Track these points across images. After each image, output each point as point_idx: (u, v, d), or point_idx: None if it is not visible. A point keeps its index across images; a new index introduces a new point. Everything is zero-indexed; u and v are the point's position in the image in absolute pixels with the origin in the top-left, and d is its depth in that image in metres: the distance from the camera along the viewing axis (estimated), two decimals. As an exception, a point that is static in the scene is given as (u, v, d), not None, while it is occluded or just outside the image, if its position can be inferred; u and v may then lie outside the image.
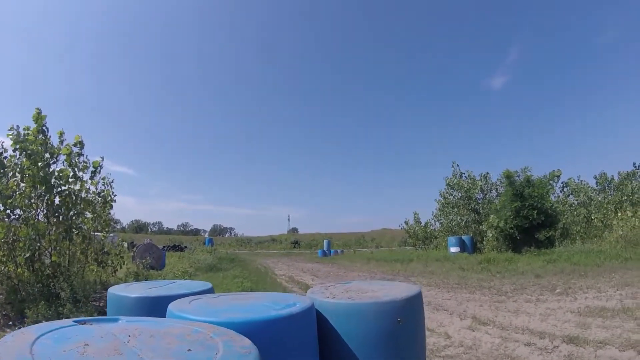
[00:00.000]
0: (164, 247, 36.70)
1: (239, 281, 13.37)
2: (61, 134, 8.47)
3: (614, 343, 4.65)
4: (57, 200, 8.17)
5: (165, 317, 2.07)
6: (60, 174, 8.13)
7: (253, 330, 1.79)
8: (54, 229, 7.99)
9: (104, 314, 4.13)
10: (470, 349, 5.21)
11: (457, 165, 23.87)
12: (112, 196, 9.57)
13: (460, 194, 23.26)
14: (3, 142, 7.93)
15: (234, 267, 19.69)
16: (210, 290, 3.01)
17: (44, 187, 7.83)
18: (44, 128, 8.18)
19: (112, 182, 9.60)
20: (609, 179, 26.11)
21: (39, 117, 8.09)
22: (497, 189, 22.43)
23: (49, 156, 8.07)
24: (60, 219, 8.15)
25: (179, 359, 1.29)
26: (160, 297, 2.68)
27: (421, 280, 11.96)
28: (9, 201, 7.56)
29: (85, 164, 8.70)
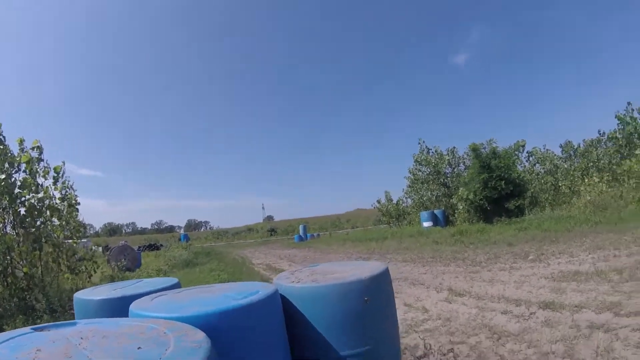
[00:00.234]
0: (139, 247, 36.30)
1: (216, 274, 13.39)
2: (21, 141, 8.13)
3: (589, 306, 4.63)
4: (22, 210, 7.95)
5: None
6: (24, 183, 7.84)
7: (211, 323, 1.75)
8: (23, 240, 7.77)
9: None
10: (448, 321, 5.16)
11: (424, 142, 24.11)
12: (76, 199, 9.32)
13: (428, 170, 23.48)
14: None
15: (211, 261, 19.67)
16: (176, 286, 2.92)
17: (7, 199, 7.55)
18: (1, 137, 7.82)
19: (73, 184, 9.36)
20: (575, 147, 26.65)
21: (-7, 127, 7.73)
22: (464, 162, 22.71)
23: (8, 166, 7.78)
24: (28, 230, 7.93)
25: (128, 358, 1.25)
26: (124, 297, 2.60)
27: (396, 257, 11.97)
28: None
29: (46, 169, 8.42)
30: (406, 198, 26.34)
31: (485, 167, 16.90)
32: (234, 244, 51.04)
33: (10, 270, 7.44)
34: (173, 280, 3.10)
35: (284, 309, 2.36)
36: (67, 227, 9.08)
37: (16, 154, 8.00)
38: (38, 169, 8.23)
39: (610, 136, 23.35)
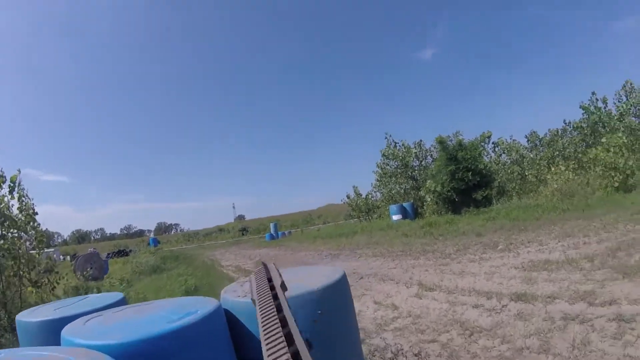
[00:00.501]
0: (108, 254, 35.46)
1: (183, 279, 13.30)
2: None
3: (562, 296, 4.46)
4: None
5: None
6: None
7: (140, 350, 1.62)
8: None
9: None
10: (419, 318, 4.95)
11: (390, 136, 24.10)
12: (33, 208, 8.84)
13: (396, 163, 23.50)
14: None
15: (179, 265, 19.37)
16: (120, 302, 2.74)
17: None
18: None
19: (27, 192, 8.88)
20: (540, 137, 27.05)
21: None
22: (431, 154, 22.81)
23: None
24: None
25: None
26: (64, 318, 2.39)
27: (367, 252, 11.77)
28: None
29: (1, 179, 7.91)
30: (375, 192, 26.33)
31: (452, 158, 16.89)
32: (205, 246, 50.27)
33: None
34: (118, 295, 2.95)
35: (231, 327, 2.06)
36: (28, 238, 8.59)
37: None
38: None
39: (575, 126, 23.81)
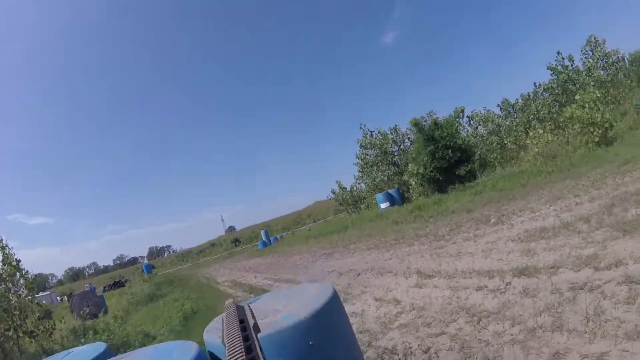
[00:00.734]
0: (105, 287, 34.95)
1: (180, 305, 13.24)
2: None
3: (566, 264, 4.28)
4: None
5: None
6: None
7: None
8: None
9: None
10: (423, 310, 4.76)
11: (365, 125, 24.32)
12: (14, 257, 8.61)
13: (375, 152, 23.65)
14: None
15: (174, 290, 19.18)
16: (105, 353, 2.60)
17: None
18: None
19: (2, 240, 8.63)
20: (512, 104, 27.19)
21: None
22: (409, 138, 23.04)
23: None
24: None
25: None
26: None
27: (360, 246, 11.60)
28: None
29: None
30: (359, 183, 26.42)
31: (430, 139, 16.86)
32: (200, 263, 50.11)
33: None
34: (101, 347, 2.78)
35: None
36: (17, 289, 8.40)
37: None
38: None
39: (545, 87, 23.96)
